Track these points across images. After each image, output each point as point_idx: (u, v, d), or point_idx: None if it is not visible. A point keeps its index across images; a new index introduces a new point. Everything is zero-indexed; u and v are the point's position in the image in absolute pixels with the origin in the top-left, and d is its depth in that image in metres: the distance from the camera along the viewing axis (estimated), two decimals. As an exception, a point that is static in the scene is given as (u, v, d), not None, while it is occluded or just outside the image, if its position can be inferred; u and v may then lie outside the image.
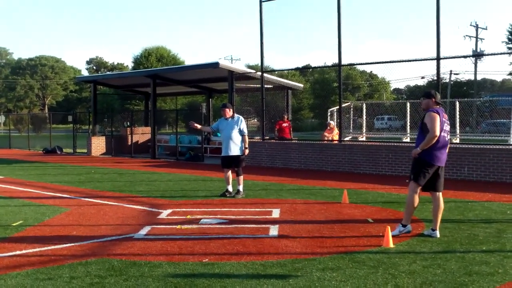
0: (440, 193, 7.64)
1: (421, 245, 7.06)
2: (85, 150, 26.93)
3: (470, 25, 53.82)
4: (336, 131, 19.16)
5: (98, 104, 29.82)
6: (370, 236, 7.65)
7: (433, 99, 7.56)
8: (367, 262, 6.25)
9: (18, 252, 6.99)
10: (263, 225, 8.47)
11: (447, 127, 7.56)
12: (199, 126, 12.28)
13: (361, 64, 18.94)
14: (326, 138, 18.52)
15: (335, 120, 21.03)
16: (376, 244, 7.10)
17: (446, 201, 9.97)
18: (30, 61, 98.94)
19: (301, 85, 30.53)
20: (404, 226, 7.60)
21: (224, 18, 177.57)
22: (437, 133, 7.31)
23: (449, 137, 7.66)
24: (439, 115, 7.39)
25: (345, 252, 6.75)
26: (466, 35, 53.84)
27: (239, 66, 25.73)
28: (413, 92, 56.65)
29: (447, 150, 7.66)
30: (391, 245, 6.97)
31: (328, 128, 19.76)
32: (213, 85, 27.74)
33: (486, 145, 14.31)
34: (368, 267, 6.07)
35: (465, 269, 5.94)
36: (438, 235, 7.49)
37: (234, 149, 11.68)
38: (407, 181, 7.98)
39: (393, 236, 7.45)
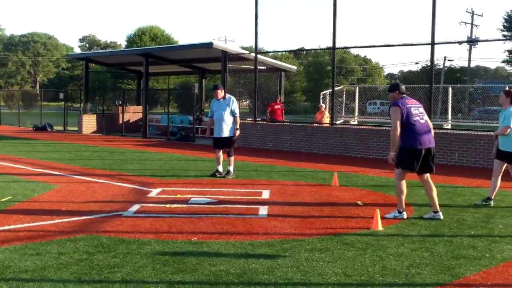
0: (428, 175, 7.70)
1: (409, 228, 7.09)
2: (75, 128, 26.81)
3: (466, 11, 53.82)
4: (326, 114, 19.18)
5: (90, 82, 29.63)
6: (359, 218, 7.67)
7: (397, 92, 7.73)
8: (356, 244, 6.27)
9: (6, 227, 6.96)
10: (253, 206, 8.47)
11: (418, 110, 7.63)
12: (209, 131, 12.27)
13: (355, 47, 18.87)
14: (316, 120, 18.58)
15: (327, 103, 21.01)
16: (365, 227, 7.12)
17: (436, 186, 9.99)
18: (22, 38, 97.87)
19: (295, 67, 30.44)
20: (400, 212, 7.65)
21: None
22: (397, 126, 7.43)
23: (425, 118, 7.68)
24: (400, 106, 7.50)
25: (334, 234, 6.76)
26: (462, 21, 53.84)
27: (233, 47, 25.58)
28: (407, 77, 56.71)
29: (431, 132, 7.71)
30: (380, 227, 6.99)
31: (319, 111, 19.81)
32: (206, 65, 27.58)
33: (477, 131, 14.35)
34: (356, 249, 6.08)
35: (453, 252, 5.97)
36: (442, 217, 7.59)
37: (226, 130, 11.64)
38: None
39: (387, 218, 7.53)
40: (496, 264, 5.61)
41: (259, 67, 19.23)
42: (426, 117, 7.74)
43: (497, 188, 8.73)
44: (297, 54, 69.48)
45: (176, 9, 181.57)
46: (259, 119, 19.39)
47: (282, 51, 53.77)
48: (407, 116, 7.48)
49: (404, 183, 7.68)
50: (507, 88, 9.69)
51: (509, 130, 8.39)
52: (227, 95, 11.97)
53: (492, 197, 8.71)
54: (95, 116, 26.74)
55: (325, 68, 57.20)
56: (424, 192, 8.90)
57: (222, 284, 4.94)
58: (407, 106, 7.55)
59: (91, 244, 6.17)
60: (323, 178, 11.61)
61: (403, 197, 7.66)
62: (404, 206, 7.69)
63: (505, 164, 8.69)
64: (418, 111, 7.61)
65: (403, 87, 7.85)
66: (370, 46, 16.81)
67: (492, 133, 10.31)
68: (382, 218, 7.27)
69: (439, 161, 13.93)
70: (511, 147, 8.48)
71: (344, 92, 24.35)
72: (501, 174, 8.76)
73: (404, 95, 7.76)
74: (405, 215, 7.65)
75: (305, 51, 65.21)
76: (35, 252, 5.85)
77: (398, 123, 7.45)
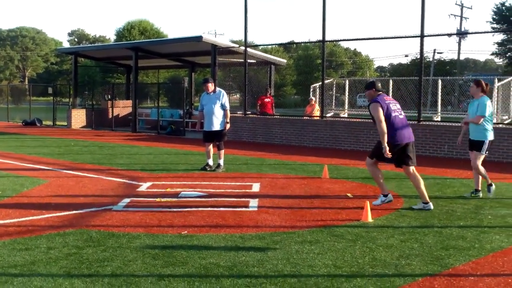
0: (413, 167, 7.75)
1: (399, 220, 7.11)
2: (65, 123, 26.69)
3: (455, 3, 53.85)
4: (317, 107, 19.20)
5: (79, 76, 29.52)
6: (349, 210, 7.69)
7: (374, 89, 7.86)
8: (346, 236, 6.28)
9: (-6, 222, 6.92)
10: (243, 199, 8.47)
11: (395, 106, 7.81)
12: (199, 125, 12.13)
13: (344, 40, 18.88)
14: (306, 113, 18.60)
15: (317, 96, 21.02)
16: (355, 219, 7.13)
17: (425, 178, 10.04)
18: (10, 32, 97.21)
19: (285, 61, 30.42)
20: (385, 196, 7.83)
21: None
22: (382, 120, 7.50)
23: (403, 114, 7.85)
24: (380, 102, 7.63)
25: (324, 226, 6.77)
26: (451, 14, 53.96)
27: (223, 41, 25.51)
28: (397, 70, 56.84)
29: (409, 127, 7.88)
30: (370, 219, 7.01)
31: (309, 104, 19.84)
32: (196, 59, 27.50)
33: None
34: (346, 240, 6.10)
35: (442, 243, 6.00)
36: (432, 207, 7.68)
37: (216, 124, 11.62)
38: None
39: (375, 205, 7.64)
40: (485, 254, 5.64)
41: (249, 61, 19.20)
42: (403, 112, 7.92)
43: (480, 179, 8.77)
44: (287, 47, 69.47)
45: (166, 3, 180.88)
46: (249, 112, 19.38)
47: (272, 45, 53.77)
48: (387, 112, 7.61)
49: (377, 169, 7.87)
50: (497, 80, 9.72)
51: (482, 119, 8.42)
52: (217, 89, 11.93)
53: (479, 188, 8.74)
54: (84, 110, 26.61)
55: (315, 61, 57.23)
56: (413, 183, 8.94)
57: (212, 277, 4.93)
58: (386, 102, 7.70)
59: (80, 239, 6.14)
60: (314, 170, 11.62)
61: (382, 180, 7.87)
62: (386, 189, 7.92)
63: None
64: (396, 107, 7.81)
65: (379, 84, 8.03)
66: (359, 39, 16.82)
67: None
68: (372, 209, 7.28)
69: (429, 153, 14.01)
70: (480, 136, 8.51)
71: (334, 85, 24.36)
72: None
73: (381, 92, 7.90)
74: (391, 196, 7.89)
75: (295, 45, 65.20)
76: (24, 247, 5.81)
77: (381, 116, 7.54)
